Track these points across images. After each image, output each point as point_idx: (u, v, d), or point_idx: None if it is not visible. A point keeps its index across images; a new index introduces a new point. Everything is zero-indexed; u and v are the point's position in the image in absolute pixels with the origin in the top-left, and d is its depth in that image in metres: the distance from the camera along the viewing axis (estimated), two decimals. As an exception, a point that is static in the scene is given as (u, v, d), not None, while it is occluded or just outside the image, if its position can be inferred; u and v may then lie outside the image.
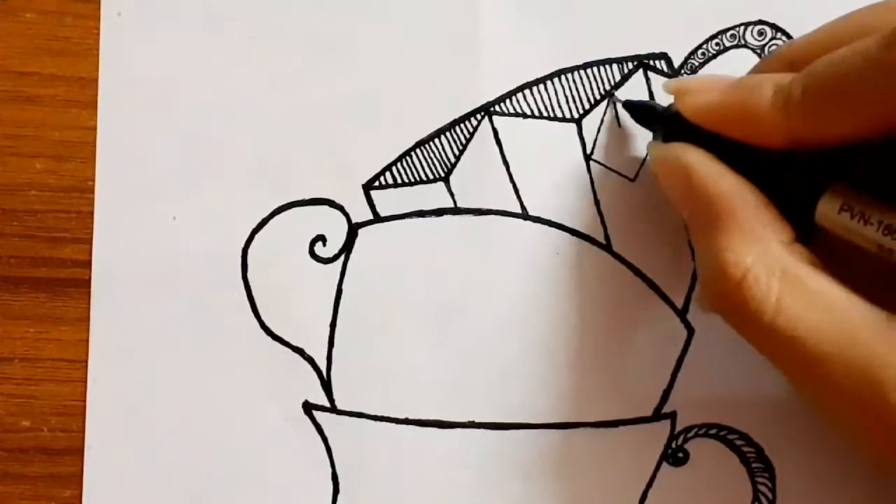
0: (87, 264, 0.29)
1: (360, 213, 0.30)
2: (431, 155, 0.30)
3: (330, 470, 0.29)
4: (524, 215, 0.30)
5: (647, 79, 0.30)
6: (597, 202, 0.30)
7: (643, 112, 0.28)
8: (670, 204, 0.26)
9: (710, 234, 0.24)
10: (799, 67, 0.24)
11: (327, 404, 0.30)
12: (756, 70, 0.27)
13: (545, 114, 0.30)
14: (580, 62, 0.30)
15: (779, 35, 0.30)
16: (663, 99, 0.30)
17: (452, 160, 0.30)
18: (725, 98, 0.25)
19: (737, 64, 0.30)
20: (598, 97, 0.30)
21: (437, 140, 0.30)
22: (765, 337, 0.22)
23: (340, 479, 0.29)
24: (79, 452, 0.29)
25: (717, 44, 0.30)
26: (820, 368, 0.21)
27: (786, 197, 0.24)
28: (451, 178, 0.30)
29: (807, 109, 0.23)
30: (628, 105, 0.29)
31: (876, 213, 0.23)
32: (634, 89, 0.30)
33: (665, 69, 0.30)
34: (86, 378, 0.29)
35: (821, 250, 0.24)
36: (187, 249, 0.29)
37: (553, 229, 0.30)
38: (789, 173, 0.24)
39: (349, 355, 0.30)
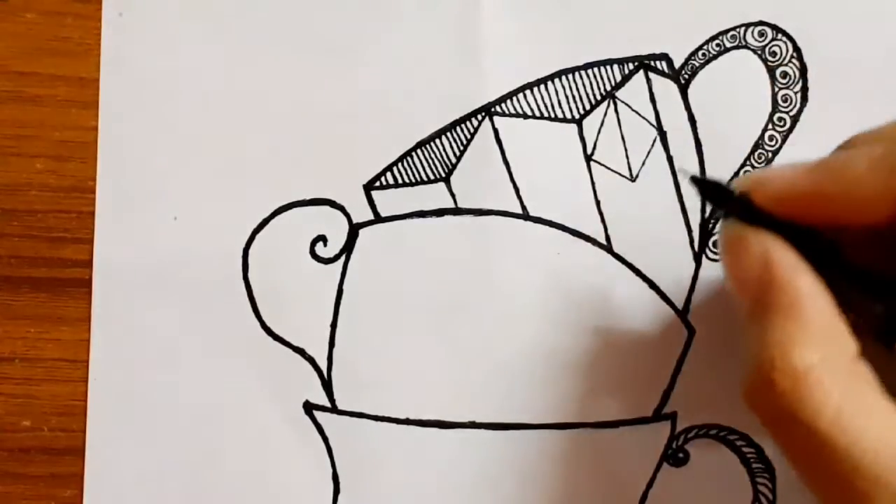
0: (88, 264, 0.29)
1: (361, 213, 0.30)
2: (432, 155, 0.30)
3: (330, 470, 0.30)
4: (525, 216, 0.30)
5: (648, 80, 0.30)
6: (597, 202, 0.30)
7: (712, 190, 0.25)
8: (730, 286, 0.24)
9: (776, 322, 0.22)
10: None
11: (328, 404, 0.30)
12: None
13: (546, 114, 0.30)
14: (581, 63, 0.30)
15: (780, 36, 0.30)
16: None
17: (453, 160, 0.30)
18: (812, 179, 0.23)
19: (737, 65, 0.30)
20: (598, 98, 0.30)
21: (438, 140, 0.30)
22: (813, 444, 0.21)
23: (341, 479, 0.30)
24: (79, 452, 0.29)
25: (717, 45, 0.30)
26: (868, 493, 0.20)
27: (864, 305, 0.23)
28: (452, 178, 0.30)
29: None
30: (696, 180, 0.25)
31: None
32: (635, 90, 0.30)
33: (666, 70, 0.30)
34: (86, 378, 0.29)
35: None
36: (187, 249, 0.29)
37: (553, 229, 0.30)
38: (872, 281, 0.23)
39: (350, 355, 0.30)
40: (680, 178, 0.29)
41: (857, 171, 0.22)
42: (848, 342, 0.22)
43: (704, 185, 0.25)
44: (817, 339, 0.21)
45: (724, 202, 0.24)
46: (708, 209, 0.30)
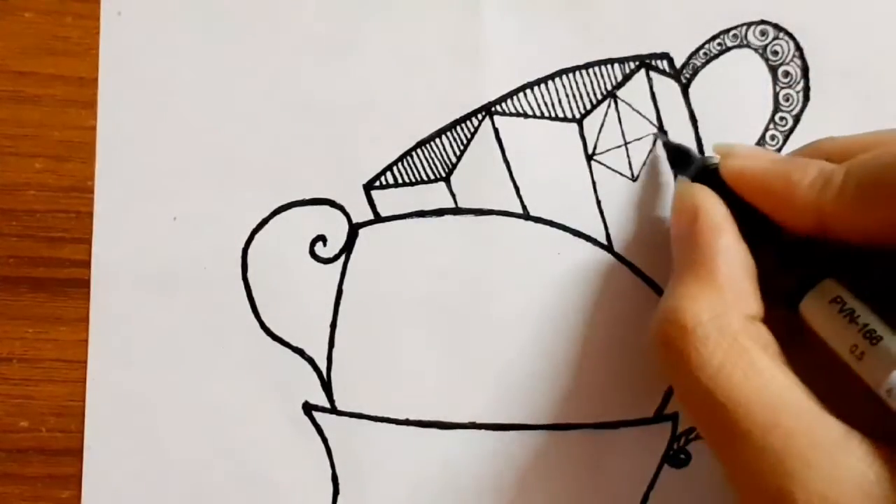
0: (87, 264, 0.29)
1: (361, 213, 0.30)
2: (432, 155, 0.30)
3: (330, 470, 0.29)
4: (525, 215, 0.30)
5: (649, 79, 0.30)
6: (598, 202, 0.30)
7: (679, 154, 0.28)
8: (672, 240, 0.26)
9: (683, 278, 0.24)
10: (840, 159, 0.24)
11: (327, 405, 0.30)
12: (796, 153, 0.27)
13: (546, 113, 0.30)
14: (581, 62, 0.30)
15: (781, 35, 0.30)
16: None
17: (453, 160, 0.30)
18: (769, 169, 0.25)
19: (739, 64, 0.30)
20: (599, 97, 0.30)
21: (438, 140, 0.30)
22: (695, 394, 0.22)
23: (340, 480, 0.29)
24: (77, 453, 0.29)
25: (718, 44, 0.30)
26: (739, 444, 0.21)
27: (781, 277, 0.24)
28: (452, 178, 0.30)
29: (843, 196, 0.23)
30: (667, 144, 0.29)
31: (864, 316, 0.23)
32: (636, 89, 0.30)
33: (667, 69, 0.30)
34: (85, 378, 0.29)
35: (801, 346, 0.24)
36: (187, 249, 0.29)
37: (554, 229, 0.30)
38: (792, 256, 0.24)
39: (349, 355, 0.29)
40: (658, 140, 0.30)
41: (801, 180, 0.24)
42: (749, 304, 0.24)
43: (672, 148, 0.28)
44: (717, 297, 0.23)
45: (687, 167, 0.27)
46: None
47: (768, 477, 0.20)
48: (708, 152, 0.30)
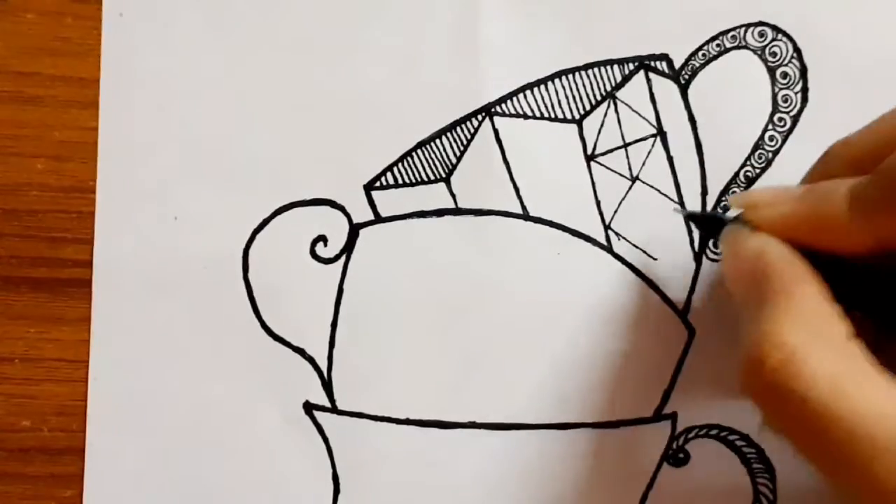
0: (88, 264, 0.29)
1: (362, 213, 0.30)
2: (432, 155, 0.30)
3: (330, 470, 0.30)
4: (525, 216, 0.30)
5: (648, 80, 0.30)
6: (598, 202, 0.30)
7: (709, 223, 0.27)
8: (728, 283, 0.25)
9: (762, 312, 0.23)
10: (862, 165, 0.23)
11: (328, 404, 0.30)
12: (814, 172, 0.26)
13: (546, 114, 0.30)
14: (581, 63, 0.30)
15: (779, 36, 0.30)
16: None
17: (453, 161, 0.30)
18: (798, 209, 0.24)
19: (738, 65, 0.30)
20: (598, 98, 0.30)
21: (438, 140, 0.30)
22: (809, 415, 0.21)
23: (341, 479, 0.30)
24: (79, 452, 0.29)
25: (717, 45, 0.30)
26: (872, 452, 0.20)
27: (871, 298, 0.24)
28: (452, 178, 0.30)
29: (890, 208, 0.22)
30: (692, 217, 0.28)
31: None
32: (635, 90, 0.30)
33: (666, 70, 0.30)
34: (86, 378, 0.29)
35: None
36: (187, 249, 0.29)
37: (554, 230, 0.30)
38: (874, 275, 0.24)
39: (350, 355, 0.30)
40: (676, 212, 0.29)
41: (839, 209, 0.23)
42: (838, 324, 0.22)
43: (699, 219, 0.28)
44: (806, 320, 0.22)
45: (719, 228, 0.26)
46: (708, 209, 0.30)
47: None
48: (707, 154, 0.30)
